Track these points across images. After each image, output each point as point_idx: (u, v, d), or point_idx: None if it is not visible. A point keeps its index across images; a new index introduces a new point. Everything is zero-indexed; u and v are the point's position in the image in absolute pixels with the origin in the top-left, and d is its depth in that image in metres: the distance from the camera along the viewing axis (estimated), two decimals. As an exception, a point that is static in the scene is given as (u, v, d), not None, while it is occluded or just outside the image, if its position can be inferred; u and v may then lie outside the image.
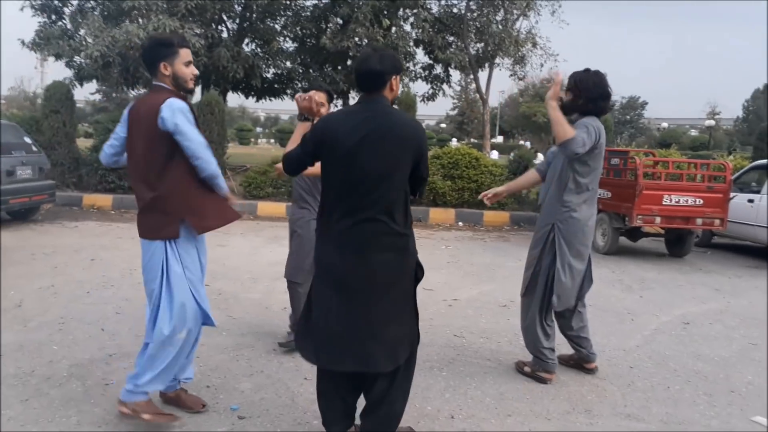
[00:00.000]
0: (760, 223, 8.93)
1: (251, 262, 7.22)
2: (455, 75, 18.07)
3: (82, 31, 12.44)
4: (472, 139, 56.98)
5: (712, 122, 45.69)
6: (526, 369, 3.97)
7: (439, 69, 16.33)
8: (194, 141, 2.85)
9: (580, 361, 4.10)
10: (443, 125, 63.99)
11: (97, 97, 42.84)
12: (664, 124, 61.98)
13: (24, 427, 3.00)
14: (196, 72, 3.03)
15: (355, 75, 2.72)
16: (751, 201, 9.14)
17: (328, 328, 2.64)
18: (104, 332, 4.48)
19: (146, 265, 3.03)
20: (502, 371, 4.06)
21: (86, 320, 4.72)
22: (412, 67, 15.56)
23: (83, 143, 14.31)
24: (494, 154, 27.27)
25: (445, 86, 16.71)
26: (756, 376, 4.18)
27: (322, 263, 2.69)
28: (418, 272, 2.79)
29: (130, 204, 11.38)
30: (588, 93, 3.72)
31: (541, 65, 17.78)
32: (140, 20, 12.43)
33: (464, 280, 6.77)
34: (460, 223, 11.52)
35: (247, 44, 15.07)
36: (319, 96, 4.08)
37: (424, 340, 4.65)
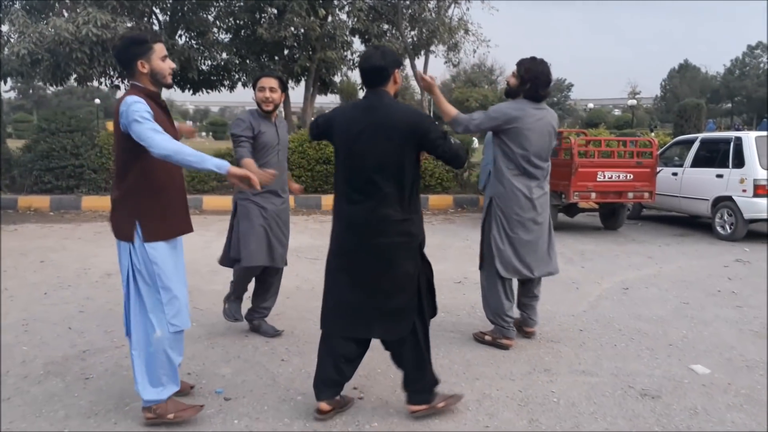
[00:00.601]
0: (684, 194, 9.64)
1: (207, 255, 7.23)
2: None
3: (5, 27, 11.91)
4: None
5: (634, 102, 47.87)
6: (487, 338, 4.27)
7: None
8: (142, 130, 2.71)
9: (521, 325, 4.43)
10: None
11: (12, 95, 40.78)
12: (590, 105, 64.47)
13: (13, 424, 3.03)
14: (174, 65, 3.07)
15: (360, 72, 2.98)
16: (675, 174, 9.84)
17: (338, 300, 2.96)
18: (72, 330, 4.48)
19: (120, 264, 3.05)
20: (465, 341, 4.34)
21: (51, 320, 4.69)
22: (350, 56, 15.70)
23: (13, 143, 13.72)
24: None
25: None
26: (689, 330, 4.63)
27: (334, 242, 3.02)
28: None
29: (69, 204, 11.08)
30: (535, 80, 4.03)
31: (474, 51, 18.06)
32: (65, 13, 12.00)
33: (418, 261, 7.03)
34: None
35: (180, 36, 14.76)
36: (270, 82, 4.15)
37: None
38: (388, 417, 3.16)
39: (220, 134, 48.19)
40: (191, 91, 15.52)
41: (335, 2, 14.47)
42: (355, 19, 14.42)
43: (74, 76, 12.62)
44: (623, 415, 3.22)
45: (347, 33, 14.55)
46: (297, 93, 17.63)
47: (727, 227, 8.79)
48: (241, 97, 28.49)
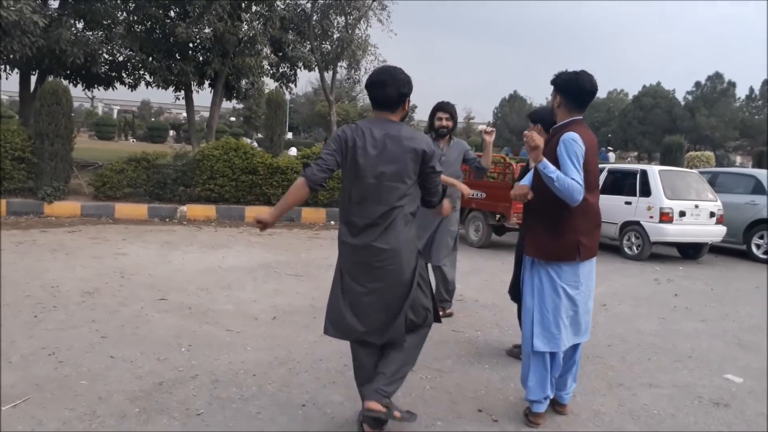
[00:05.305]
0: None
1: (176, 271, 6.72)
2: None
3: None
4: (258, 135, 56.59)
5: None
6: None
7: (285, 68, 16.19)
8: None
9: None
10: (232, 119, 62.39)
11: None
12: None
13: (169, 471, 2.70)
14: None
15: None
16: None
17: None
18: (117, 359, 3.99)
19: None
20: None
21: (79, 348, 4.13)
22: (260, 64, 15.21)
23: None
24: (293, 151, 25.74)
25: (291, 85, 16.69)
26: (690, 343, 5.23)
27: None
28: None
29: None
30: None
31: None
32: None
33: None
34: (332, 222, 11.77)
35: (73, 26, 13.28)
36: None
37: (436, 336, 4.96)
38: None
39: (105, 134, 46.98)
40: (84, 87, 14.02)
41: (254, 9, 13.98)
42: (271, 28, 14.04)
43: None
44: (718, 423, 3.62)
45: (266, 41, 14.11)
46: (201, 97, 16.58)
47: (634, 248, 9.98)
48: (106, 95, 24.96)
